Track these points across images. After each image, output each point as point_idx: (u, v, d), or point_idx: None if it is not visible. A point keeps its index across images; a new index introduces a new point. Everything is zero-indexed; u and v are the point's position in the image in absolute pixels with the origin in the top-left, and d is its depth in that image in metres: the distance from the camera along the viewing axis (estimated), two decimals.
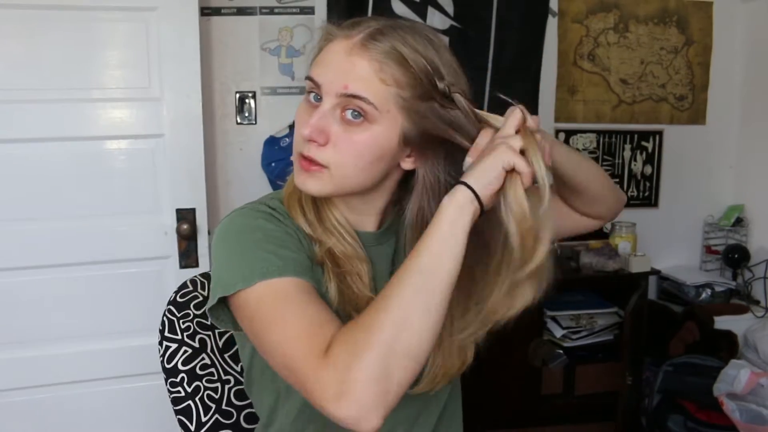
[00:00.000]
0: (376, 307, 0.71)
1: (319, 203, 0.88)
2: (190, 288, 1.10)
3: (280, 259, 0.78)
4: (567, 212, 1.01)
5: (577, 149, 0.94)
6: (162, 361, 1.06)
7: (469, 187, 0.73)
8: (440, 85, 0.78)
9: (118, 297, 1.95)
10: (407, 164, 0.84)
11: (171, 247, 1.96)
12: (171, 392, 1.06)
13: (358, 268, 0.85)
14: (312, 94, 0.82)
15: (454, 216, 0.73)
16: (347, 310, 0.84)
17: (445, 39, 2.40)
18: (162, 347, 1.07)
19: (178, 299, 1.09)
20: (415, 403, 0.93)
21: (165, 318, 1.08)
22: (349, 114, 0.78)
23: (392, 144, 0.80)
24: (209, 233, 1.99)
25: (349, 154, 0.79)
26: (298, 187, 0.83)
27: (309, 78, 0.81)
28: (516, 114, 0.76)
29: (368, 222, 0.91)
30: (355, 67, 0.77)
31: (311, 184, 0.81)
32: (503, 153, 0.73)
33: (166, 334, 1.07)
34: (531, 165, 0.73)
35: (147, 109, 1.91)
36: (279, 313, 0.75)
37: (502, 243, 0.76)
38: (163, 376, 1.06)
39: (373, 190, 0.86)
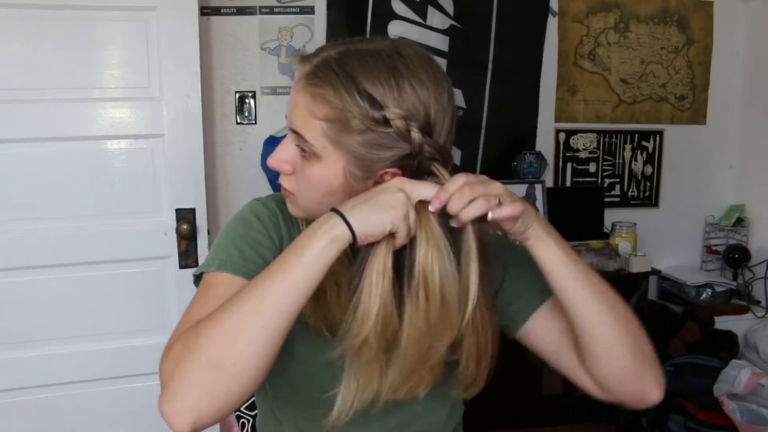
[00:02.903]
0: (214, 314, 0.69)
1: None
2: None
3: (242, 258, 0.80)
4: (565, 347, 0.89)
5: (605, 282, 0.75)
6: None
7: (350, 226, 0.69)
8: (376, 114, 0.71)
9: (118, 297, 1.95)
10: None
11: (171, 247, 1.96)
12: None
13: (339, 279, 0.79)
14: None
15: (325, 250, 0.69)
16: (317, 322, 0.81)
17: (439, 57, 2.39)
18: None
19: None
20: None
21: None
22: (300, 148, 0.77)
23: (339, 180, 0.75)
24: (209, 233, 1.99)
25: (303, 187, 0.78)
26: None
27: None
28: (450, 186, 0.71)
29: None
30: (298, 103, 0.76)
31: (289, 206, 0.83)
32: (399, 211, 0.70)
33: None
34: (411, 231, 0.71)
35: (147, 109, 1.91)
36: (195, 297, 0.78)
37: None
38: None
39: None
